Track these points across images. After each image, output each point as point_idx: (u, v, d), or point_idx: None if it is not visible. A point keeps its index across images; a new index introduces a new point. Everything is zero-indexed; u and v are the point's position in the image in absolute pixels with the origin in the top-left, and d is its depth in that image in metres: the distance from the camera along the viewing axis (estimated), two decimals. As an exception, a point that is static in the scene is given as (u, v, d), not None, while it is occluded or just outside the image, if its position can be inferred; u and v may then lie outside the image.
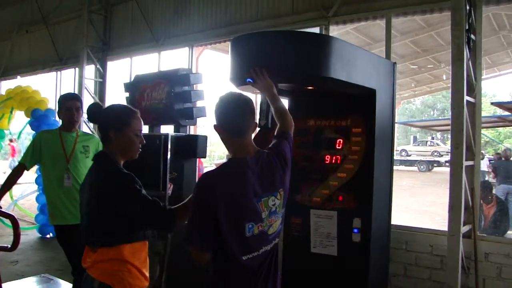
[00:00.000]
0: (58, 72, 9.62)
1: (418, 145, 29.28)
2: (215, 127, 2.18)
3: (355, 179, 3.44)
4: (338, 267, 3.46)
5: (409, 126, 36.04)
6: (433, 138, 31.12)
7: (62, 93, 4.54)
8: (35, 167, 5.47)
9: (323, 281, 3.53)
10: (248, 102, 2.20)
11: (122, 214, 2.18)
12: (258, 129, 3.12)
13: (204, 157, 4.81)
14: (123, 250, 2.22)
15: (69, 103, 3.95)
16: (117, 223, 2.21)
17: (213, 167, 3.50)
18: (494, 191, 7.13)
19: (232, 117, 2.16)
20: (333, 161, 3.54)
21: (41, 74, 10.16)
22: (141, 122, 2.43)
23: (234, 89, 3.26)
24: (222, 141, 2.23)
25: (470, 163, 4.21)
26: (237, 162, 2.16)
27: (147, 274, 2.37)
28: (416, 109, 47.11)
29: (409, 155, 27.97)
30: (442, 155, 25.15)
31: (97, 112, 2.46)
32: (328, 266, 3.50)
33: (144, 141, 2.44)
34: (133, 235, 2.27)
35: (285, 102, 3.86)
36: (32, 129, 7.91)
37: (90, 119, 2.48)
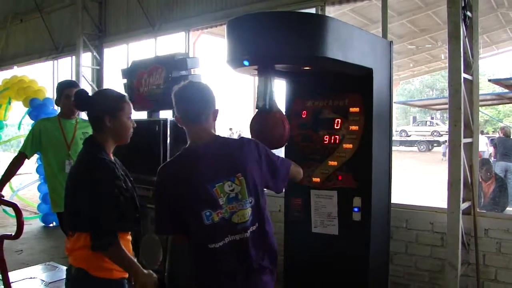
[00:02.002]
0: (55, 61, 9.58)
1: (418, 125, 29.28)
2: (175, 117, 2.23)
3: (354, 159, 3.46)
4: (340, 246, 3.49)
5: (408, 105, 35.98)
6: (432, 118, 31.11)
7: (62, 80, 4.53)
8: (35, 157, 5.49)
9: (324, 260, 3.57)
10: (202, 90, 2.22)
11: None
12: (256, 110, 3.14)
13: (204, 141, 4.81)
14: None
15: (68, 91, 3.95)
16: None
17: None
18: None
19: (184, 104, 2.19)
20: (332, 141, 3.55)
21: (38, 63, 10.11)
22: (131, 106, 2.41)
23: (231, 71, 3.26)
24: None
25: (469, 140, 4.22)
26: (190, 150, 2.20)
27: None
28: (415, 89, 46.97)
29: (409, 136, 27.99)
30: (441, 135, 25.16)
31: (87, 99, 2.40)
32: (329, 246, 3.54)
33: (135, 125, 2.43)
34: None
35: (282, 83, 3.88)
36: (31, 118, 7.92)
37: (79, 106, 2.45)
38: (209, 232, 2.12)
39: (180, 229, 2.23)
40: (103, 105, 2.31)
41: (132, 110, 2.44)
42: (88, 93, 2.50)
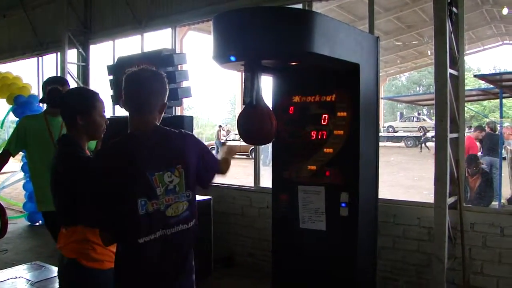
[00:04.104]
0: (40, 58, 9.45)
1: (405, 121, 29.49)
2: (121, 100, 2.17)
3: (341, 154, 3.46)
4: (327, 242, 3.50)
5: (395, 101, 36.24)
6: (419, 114, 31.35)
7: (51, 77, 4.45)
8: (20, 154, 5.42)
9: (312, 255, 3.57)
10: (155, 79, 2.15)
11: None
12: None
13: (191, 138, 4.80)
14: (86, 231, 2.29)
15: (62, 87, 3.89)
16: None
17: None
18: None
19: (133, 90, 2.13)
20: (319, 137, 3.55)
21: (22, 60, 9.98)
22: (103, 104, 2.46)
23: (217, 67, 3.24)
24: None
25: (455, 135, 4.25)
26: (130, 137, 2.13)
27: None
28: (402, 85, 47.32)
29: (396, 131, 28.19)
30: (428, 130, 25.38)
31: (60, 97, 2.46)
32: (317, 241, 3.55)
33: (108, 122, 2.47)
34: None
35: (269, 79, 3.87)
36: (16, 116, 7.79)
37: (53, 104, 2.50)
38: (141, 223, 2.01)
39: (105, 223, 2.07)
40: (75, 104, 2.37)
41: (105, 107, 2.50)
42: (61, 91, 2.58)
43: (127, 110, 2.16)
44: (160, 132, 2.15)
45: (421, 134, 25.47)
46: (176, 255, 2.12)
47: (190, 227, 2.15)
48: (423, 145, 24.35)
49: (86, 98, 2.39)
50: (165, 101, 2.19)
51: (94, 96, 2.41)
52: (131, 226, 2.02)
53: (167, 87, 2.19)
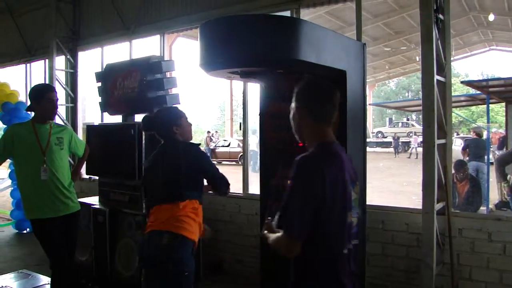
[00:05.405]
0: (27, 64, 9.38)
1: (394, 126, 29.70)
2: (301, 109, 2.11)
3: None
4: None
5: (383, 107, 36.44)
6: (408, 120, 31.58)
7: (38, 84, 4.41)
8: (8, 162, 5.37)
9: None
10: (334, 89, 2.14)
11: None
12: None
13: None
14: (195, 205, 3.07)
15: (51, 95, 3.87)
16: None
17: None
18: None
19: (324, 102, 2.10)
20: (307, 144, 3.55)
21: (10, 66, 9.90)
22: (185, 114, 3.23)
23: (204, 75, 3.24)
24: (302, 125, 2.14)
25: (442, 141, 4.27)
26: (332, 146, 2.09)
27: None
28: (391, 91, 47.66)
29: (385, 137, 28.36)
30: (418, 136, 25.56)
31: (153, 119, 3.26)
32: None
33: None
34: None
35: (257, 86, 3.87)
36: (3, 123, 7.74)
37: (146, 128, 3.34)
38: (347, 235, 2.02)
39: (304, 233, 1.96)
40: (170, 119, 3.15)
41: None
42: (151, 117, 3.30)
43: (309, 120, 2.11)
44: (342, 148, 2.15)
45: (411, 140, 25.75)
46: (353, 271, 2.11)
47: (355, 244, 2.16)
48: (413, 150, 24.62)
49: (174, 112, 3.19)
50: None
51: (177, 109, 3.26)
52: (338, 238, 2.01)
53: None
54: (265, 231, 2.18)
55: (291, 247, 1.94)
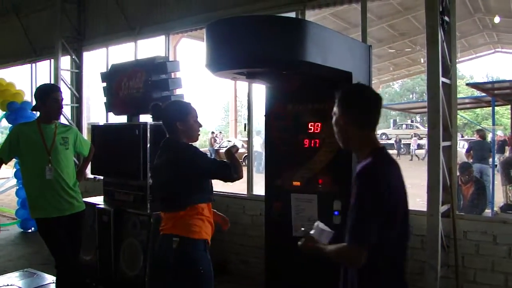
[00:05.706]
0: (33, 64, 9.42)
1: (398, 128, 29.61)
2: (347, 116, 2.08)
3: (334, 162, 3.47)
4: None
5: (387, 109, 36.30)
6: (412, 121, 31.50)
7: (44, 84, 4.44)
8: (13, 161, 5.38)
9: (306, 263, 3.56)
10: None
11: None
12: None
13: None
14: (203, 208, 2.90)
15: (56, 94, 3.89)
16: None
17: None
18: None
19: (373, 111, 2.12)
20: (312, 145, 3.55)
21: (15, 66, 9.93)
22: (196, 111, 3.02)
23: (210, 75, 3.25)
24: (348, 132, 2.11)
25: (447, 143, 4.26)
26: (384, 151, 2.11)
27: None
28: (396, 92, 47.55)
29: (390, 139, 28.27)
30: (422, 138, 25.50)
31: (161, 109, 3.04)
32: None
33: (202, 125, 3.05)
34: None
35: (262, 87, 3.88)
36: (9, 122, 7.78)
37: (155, 116, 3.09)
38: (406, 244, 2.07)
39: (371, 242, 1.94)
40: (175, 113, 2.96)
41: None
42: (161, 106, 3.09)
43: (358, 127, 2.09)
44: None
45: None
46: None
47: None
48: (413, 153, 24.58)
49: (182, 107, 2.97)
50: None
51: (188, 105, 2.99)
52: (401, 246, 2.04)
53: None
54: (307, 243, 2.22)
55: (360, 256, 1.90)
